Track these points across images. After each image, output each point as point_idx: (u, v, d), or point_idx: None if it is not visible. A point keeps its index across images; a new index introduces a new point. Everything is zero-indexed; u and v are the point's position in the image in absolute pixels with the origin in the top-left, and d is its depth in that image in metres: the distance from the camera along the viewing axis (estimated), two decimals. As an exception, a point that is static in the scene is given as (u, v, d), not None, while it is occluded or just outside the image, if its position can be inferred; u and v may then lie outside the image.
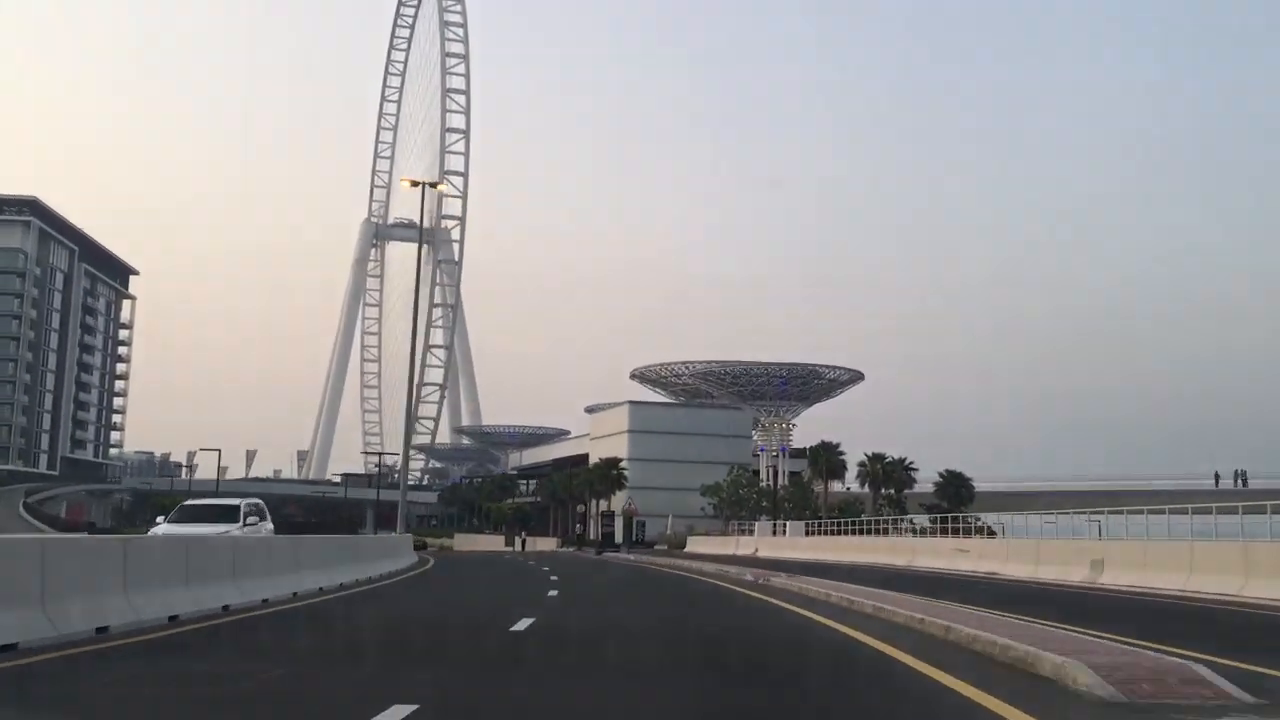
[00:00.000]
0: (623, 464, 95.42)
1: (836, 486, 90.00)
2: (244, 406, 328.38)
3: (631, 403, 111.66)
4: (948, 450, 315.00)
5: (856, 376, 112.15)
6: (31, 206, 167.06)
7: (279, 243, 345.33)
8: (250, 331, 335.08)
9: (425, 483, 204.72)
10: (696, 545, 72.35)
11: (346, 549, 28.78)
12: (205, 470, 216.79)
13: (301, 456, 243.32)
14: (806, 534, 64.64)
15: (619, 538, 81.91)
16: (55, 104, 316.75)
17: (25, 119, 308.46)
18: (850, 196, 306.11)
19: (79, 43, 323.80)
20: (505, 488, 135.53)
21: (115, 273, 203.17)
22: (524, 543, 79.81)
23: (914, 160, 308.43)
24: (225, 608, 15.25)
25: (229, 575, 16.34)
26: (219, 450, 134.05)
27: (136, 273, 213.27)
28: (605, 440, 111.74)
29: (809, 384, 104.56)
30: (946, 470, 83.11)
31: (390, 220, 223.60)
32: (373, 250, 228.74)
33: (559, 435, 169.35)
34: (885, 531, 59.27)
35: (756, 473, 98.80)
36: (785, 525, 71.10)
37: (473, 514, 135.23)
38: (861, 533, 58.88)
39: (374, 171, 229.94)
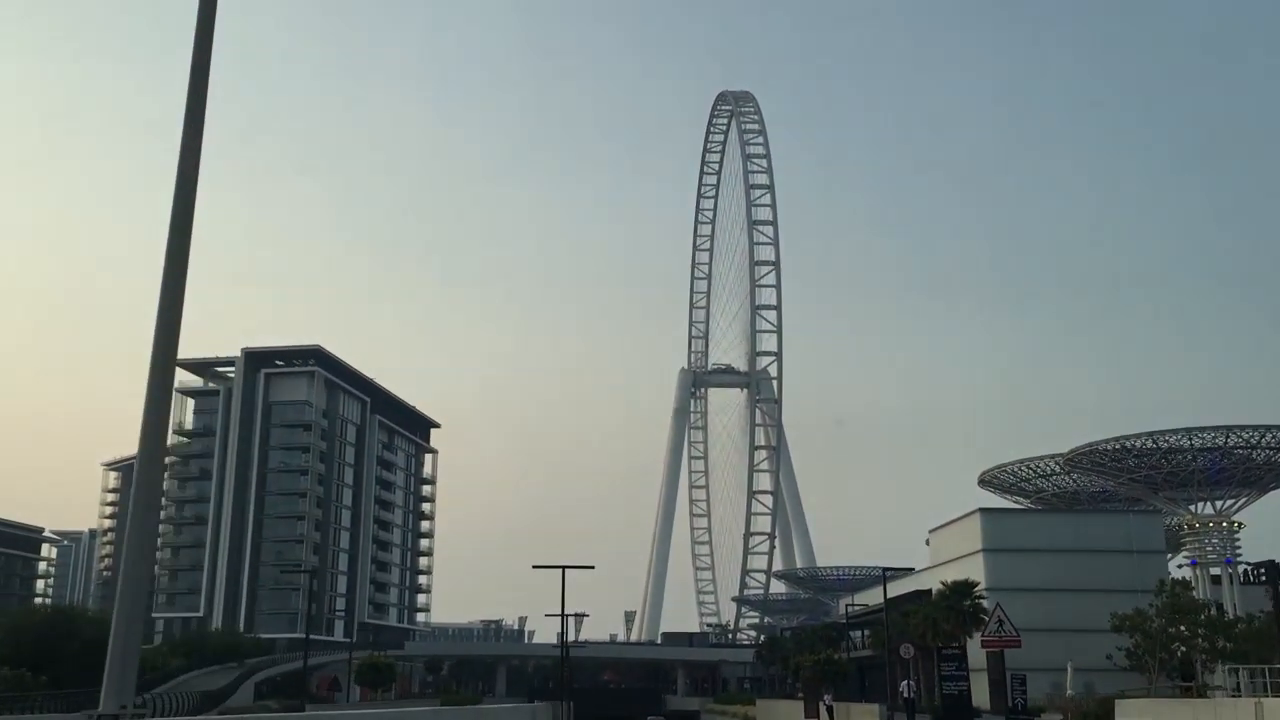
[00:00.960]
0: (978, 591, 65.21)
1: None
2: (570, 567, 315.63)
3: (983, 510, 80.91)
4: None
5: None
6: (316, 356, 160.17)
7: (596, 401, 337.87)
8: (569, 487, 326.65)
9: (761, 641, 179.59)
10: (1134, 716, 41.28)
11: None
12: (543, 634, 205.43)
13: (629, 617, 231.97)
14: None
15: (985, 699, 51.40)
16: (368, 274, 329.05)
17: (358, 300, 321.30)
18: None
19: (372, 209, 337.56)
20: (830, 639, 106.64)
21: (413, 425, 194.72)
22: (830, 711, 51.43)
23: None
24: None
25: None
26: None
27: (437, 425, 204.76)
28: (950, 567, 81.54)
29: (1252, 460, 69.84)
30: None
31: (709, 366, 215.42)
32: (693, 402, 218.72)
33: (903, 574, 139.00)
34: None
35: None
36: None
37: (791, 673, 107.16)
38: None
39: (690, 322, 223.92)
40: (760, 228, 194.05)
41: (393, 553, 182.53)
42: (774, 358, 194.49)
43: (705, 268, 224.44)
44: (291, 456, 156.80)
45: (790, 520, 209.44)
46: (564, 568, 54.04)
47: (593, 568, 61.79)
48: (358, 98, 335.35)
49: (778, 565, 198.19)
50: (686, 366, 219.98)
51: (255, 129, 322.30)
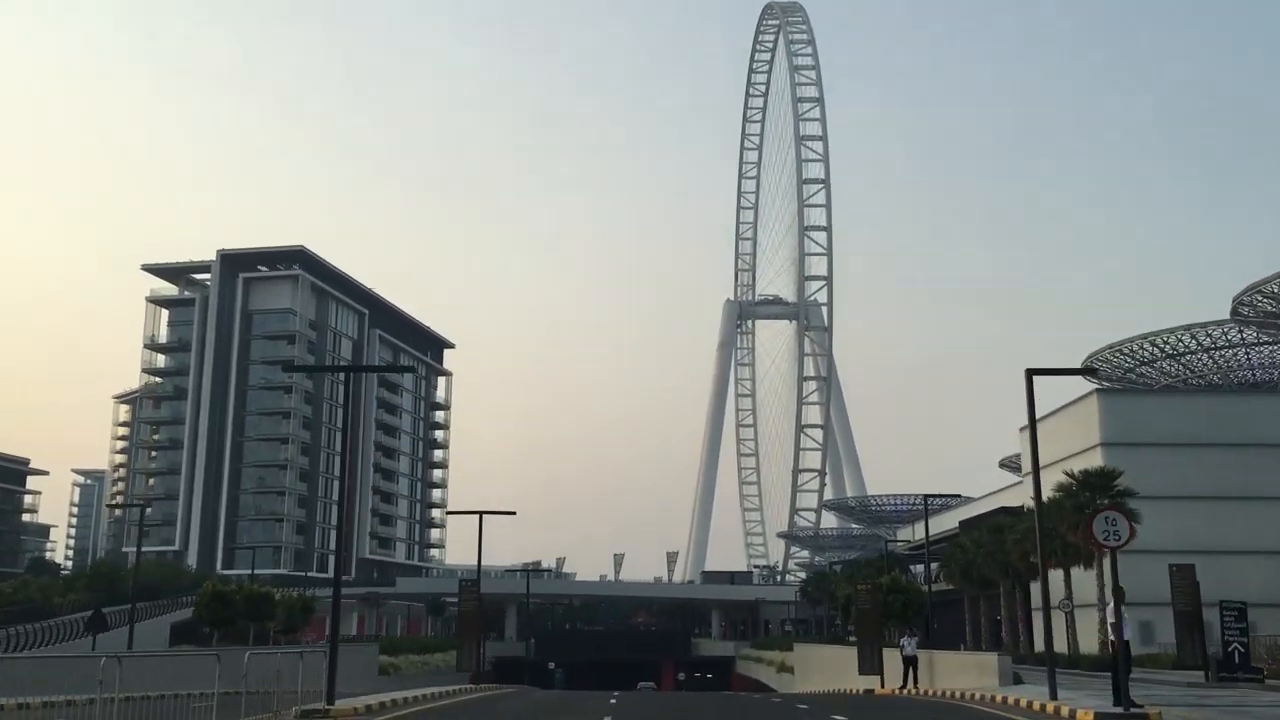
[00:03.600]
0: (1118, 480, 45.09)
1: None
2: (609, 508, 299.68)
3: (1101, 392, 60.04)
4: None
5: None
6: (300, 259, 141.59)
7: (637, 332, 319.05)
8: (611, 428, 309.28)
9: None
10: None
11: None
12: (585, 572, 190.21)
13: (671, 559, 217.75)
14: None
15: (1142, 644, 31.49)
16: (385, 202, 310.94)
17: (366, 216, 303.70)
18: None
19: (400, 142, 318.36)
20: (884, 570, 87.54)
21: (423, 343, 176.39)
22: (912, 665, 31.40)
23: None
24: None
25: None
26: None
27: (451, 345, 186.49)
28: (1048, 474, 60.90)
29: None
30: None
31: (756, 298, 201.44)
32: (739, 337, 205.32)
33: (966, 501, 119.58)
34: None
35: None
36: None
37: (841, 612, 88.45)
38: None
39: (737, 254, 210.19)
40: (809, 143, 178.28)
41: (399, 483, 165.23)
42: (824, 283, 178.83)
43: (751, 196, 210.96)
44: (274, 372, 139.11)
45: (841, 455, 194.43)
46: (481, 513, 46.71)
47: (513, 513, 54.62)
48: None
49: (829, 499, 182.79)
50: (732, 298, 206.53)
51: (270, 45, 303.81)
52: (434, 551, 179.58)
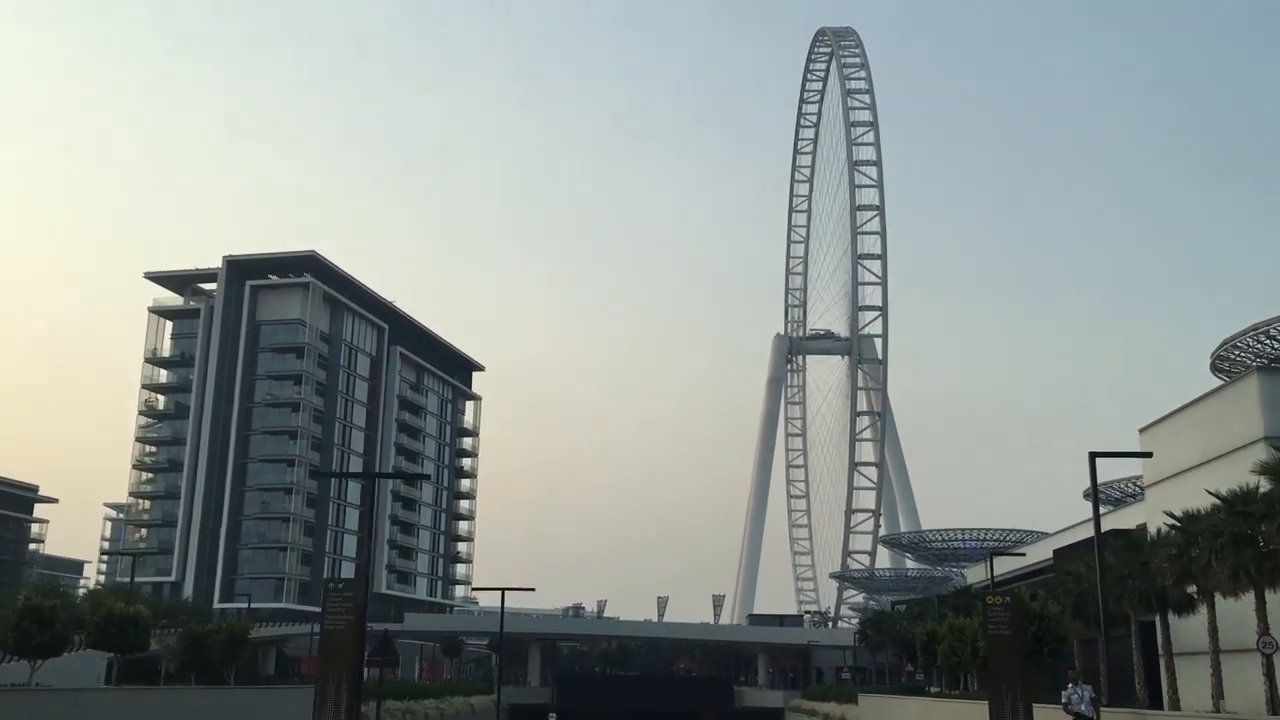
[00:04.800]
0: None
1: None
2: (654, 552, 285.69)
3: (1264, 370, 46.21)
4: None
5: None
6: (310, 265, 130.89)
7: (682, 369, 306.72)
8: (657, 469, 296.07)
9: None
10: None
11: None
12: (629, 617, 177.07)
13: (717, 602, 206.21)
14: None
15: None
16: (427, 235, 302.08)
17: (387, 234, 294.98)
18: None
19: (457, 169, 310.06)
20: (957, 610, 73.77)
21: (450, 365, 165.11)
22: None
23: None
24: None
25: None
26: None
27: (480, 368, 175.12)
28: (1184, 481, 47.16)
29: None
30: None
31: (807, 332, 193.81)
32: (789, 375, 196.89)
33: (1042, 536, 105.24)
34: None
35: None
36: None
37: (909, 656, 75.18)
38: None
39: (787, 289, 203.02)
40: (862, 169, 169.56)
41: (420, 513, 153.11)
42: (878, 313, 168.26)
43: (802, 230, 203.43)
44: (282, 388, 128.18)
45: (896, 494, 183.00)
46: (503, 590, 48.95)
47: (533, 589, 55.87)
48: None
49: (883, 549, 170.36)
50: (782, 333, 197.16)
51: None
52: (459, 589, 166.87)
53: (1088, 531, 70.15)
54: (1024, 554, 51.06)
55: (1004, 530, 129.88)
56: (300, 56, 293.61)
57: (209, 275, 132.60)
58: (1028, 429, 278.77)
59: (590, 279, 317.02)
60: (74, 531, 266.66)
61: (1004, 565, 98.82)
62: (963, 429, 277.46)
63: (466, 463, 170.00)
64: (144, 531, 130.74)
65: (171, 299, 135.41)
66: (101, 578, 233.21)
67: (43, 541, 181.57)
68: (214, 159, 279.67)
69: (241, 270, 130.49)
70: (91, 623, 39.94)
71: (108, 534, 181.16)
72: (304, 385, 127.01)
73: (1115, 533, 61.76)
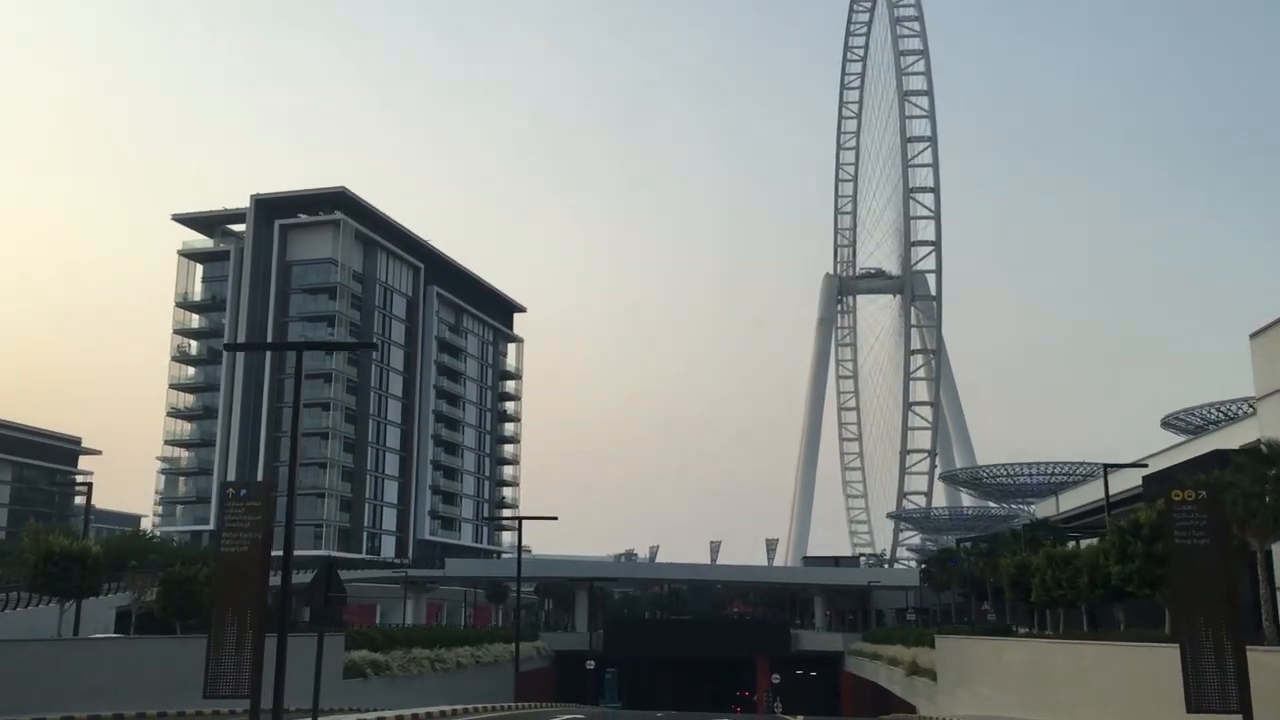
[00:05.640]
0: None
1: None
2: (706, 496, 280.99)
3: None
4: None
5: None
6: (342, 202, 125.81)
7: (729, 312, 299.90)
8: (705, 413, 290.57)
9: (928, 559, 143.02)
10: None
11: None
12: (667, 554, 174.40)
13: (770, 546, 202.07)
14: None
15: None
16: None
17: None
18: None
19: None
20: (1039, 541, 67.83)
21: (490, 306, 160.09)
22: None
23: None
24: None
25: None
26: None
27: (522, 309, 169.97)
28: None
29: None
30: None
31: (857, 271, 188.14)
32: (839, 316, 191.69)
33: (1096, 471, 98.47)
34: None
35: None
36: None
37: (984, 595, 69.24)
38: None
39: (836, 229, 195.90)
40: (913, 99, 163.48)
41: (463, 457, 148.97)
42: (931, 248, 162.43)
43: (850, 169, 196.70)
44: (315, 329, 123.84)
45: (952, 434, 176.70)
46: (520, 519, 49.88)
47: (555, 518, 67.10)
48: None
49: (939, 485, 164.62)
50: (832, 272, 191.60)
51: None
52: (507, 535, 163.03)
53: (1185, 455, 63.02)
54: (1146, 465, 44.80)
55: (1072, 463, 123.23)
56: None
57: (238, 216, 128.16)
58: (1087, 363, 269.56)
59: (635, 220, 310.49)
60: (125, 484, 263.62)
61: (1071, 501, 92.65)
62: (1017, 367, 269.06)
63: (510, 406, 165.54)
64: (184, 480, 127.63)
65: (201, 241, 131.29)
66: (158, 532, 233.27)
67: (86, 494, 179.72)
68: (242, 100, 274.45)
69: (270, 209, 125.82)
70: (31, 563, 35.05)
71: (161, 486, 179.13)
72: (338, 327, 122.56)
73: (1218, 454, 55.23)
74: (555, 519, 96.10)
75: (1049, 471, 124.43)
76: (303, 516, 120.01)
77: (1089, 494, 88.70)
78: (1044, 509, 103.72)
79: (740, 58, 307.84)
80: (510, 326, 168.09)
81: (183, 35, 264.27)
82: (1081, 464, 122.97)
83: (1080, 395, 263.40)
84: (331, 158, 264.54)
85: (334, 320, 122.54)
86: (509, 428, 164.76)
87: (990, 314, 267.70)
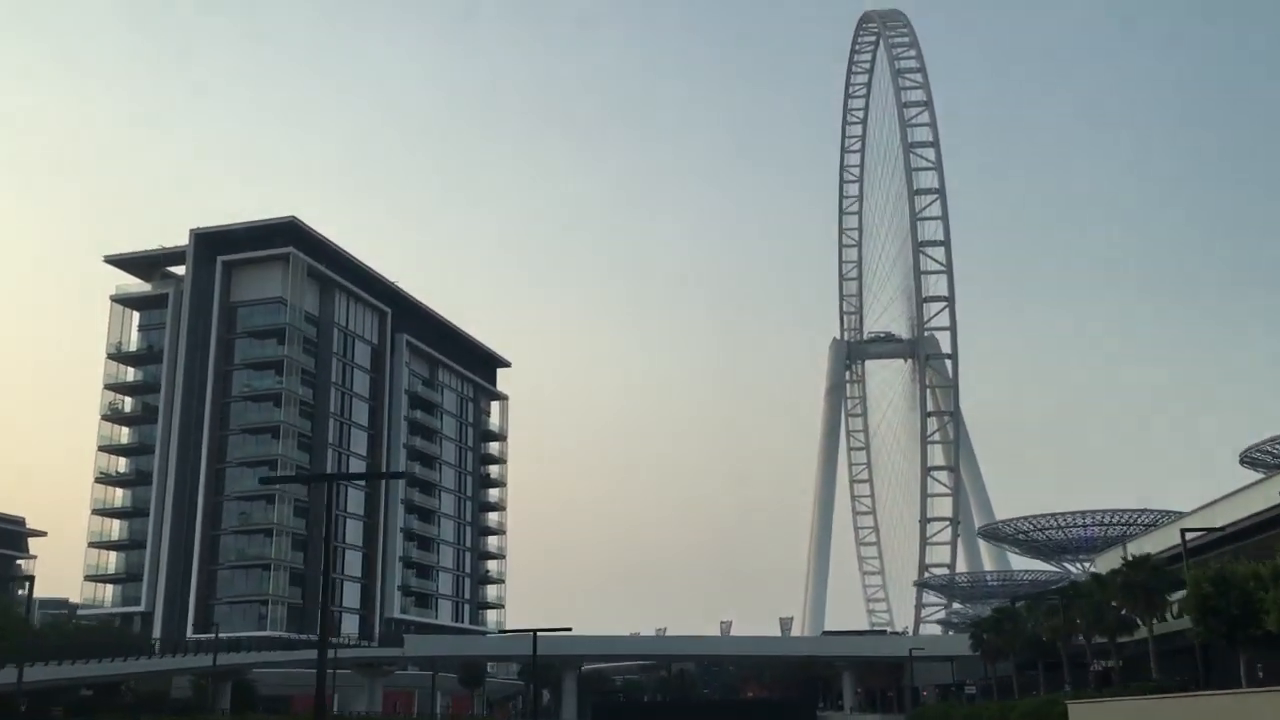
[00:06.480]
0: None
1: None
2: (715, 575, 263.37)
3: None
4: None
5: None
6: (291, 234, 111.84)
7: (734, 384, 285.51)
8: (711, 488, 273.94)
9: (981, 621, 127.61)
10: None
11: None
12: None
13: (784, 625, 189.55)
14: None
15: None
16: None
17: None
18: None
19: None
20: (1140, 586, 53.47)
21: (470, 360, 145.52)
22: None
23: None
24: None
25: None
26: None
27: (506, 363, 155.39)
28: None
29: None
30: None
31: (865, 335, 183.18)
32: (849, 387, 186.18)
33: (1178, 516, 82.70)
34: None
35: None
36: None
37: (1050, 662, 53.94)
38: None
39: (841, 296, 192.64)
40: (919, 150, 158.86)
41: (440, 525, 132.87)
42: (944, 304, 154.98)
43: (854, 234, 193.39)
44: (261, 378, 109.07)
45: (972, 502, 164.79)
46: (535, 631, 45.02)
47: (569, 629, 55.34)
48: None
49: (962, 554, 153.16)
50: (839, 338, 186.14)
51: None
52: (491, 614, 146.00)
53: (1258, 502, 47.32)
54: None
55: (1133, 510, 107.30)
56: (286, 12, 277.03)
57: (178, 256, 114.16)
58: (1114, 424, 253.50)
59: (630, 288, 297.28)
60: (64, 561, 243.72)
61: (1146, 545, 76.02)
62: (1035, 431, 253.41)
63: (494, 470, 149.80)
64: (113, 556, 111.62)
65: (137, 286, 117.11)
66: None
67: (28, 587, 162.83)
68: (186, 131, 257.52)
69: (212, 244, 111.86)
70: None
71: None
72: (287, 375, 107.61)
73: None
74: (569, 630, 75.47)
75: (1106, 521, 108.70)
76: (246, 592, 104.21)
77: (1161, 541, 72.30)
78: (1106, 563, 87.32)
79: (737, 125, 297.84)
80: (493, 382, 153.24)
81: (114, 56, 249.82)
82: (1144, 511, 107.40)
83: (1100, 453, 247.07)
84: (288, 197, 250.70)
85: (283, 368, 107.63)
86: (493, 494, 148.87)
87: (997, 374, 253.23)
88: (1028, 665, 77.39)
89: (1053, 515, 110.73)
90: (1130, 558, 65.62)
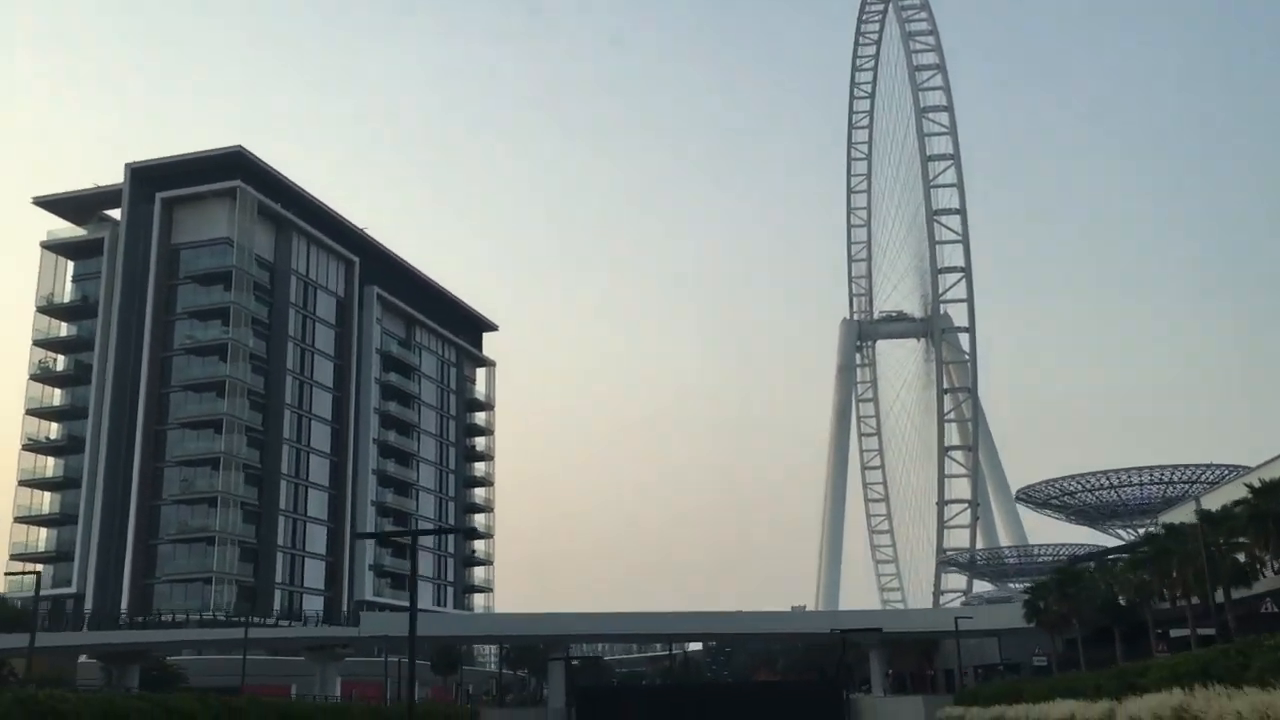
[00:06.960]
0: None
1: None
2: (721, 565, 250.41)
3: None
4: None
5: None
6: (239, 165, 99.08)
7: (738, 365, 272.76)
8: (718, 474, 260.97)
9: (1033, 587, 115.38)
10: None
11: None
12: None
13: (797, 612, 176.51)
14: None
15: None
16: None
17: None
18: None
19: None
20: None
21: (451, 319, 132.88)
22: None
23: None
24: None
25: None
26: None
27: (493, 327, 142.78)
28: None
29: None
30: None
31: (876, 315, 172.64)
32: (859, 371, 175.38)
33: (1244, 471, 69.56)
34: None
35: None
36: None
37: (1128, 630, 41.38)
38: None
39: (850, 278, 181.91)
40: (931, 115, 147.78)
41: (418, 499, 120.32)
42: (961, 274, 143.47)
43: (863, 212, 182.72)
44: (206, 329, 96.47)
45: (989, 483, 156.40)
46: None
47: None
48: None
49: (980, 538, 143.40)
50: (849, 317, 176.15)
51: None
52: (479, 598, 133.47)
53: None
54: None
55: (1199, 466, 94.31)
56: None
57: (115, 196, 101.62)
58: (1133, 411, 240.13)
59: (630, 264, 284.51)
60: None
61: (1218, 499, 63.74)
62: (1053, 413, 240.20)
63: (480, 442, 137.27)
64: (43, 533, 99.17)
65: (70, 231, 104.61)
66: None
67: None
68: (135, 61, 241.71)
69: (151, 181, 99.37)
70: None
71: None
72: (235, 324, 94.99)
73: None
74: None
75: (1166, 479, 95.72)
76: (189, 569, 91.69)
77: (1230, 495, 59.34)
78: (1177, 516, 74.38)
79: (737, 109, 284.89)
80: (479, 347, 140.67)
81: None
82: (1209, 466, 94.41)
83: (1122, 434, 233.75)
84: (244, 135, 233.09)
85: (229, 316, 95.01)
86: (479, 467, 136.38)
87: (1026, 342, 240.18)
88: (1095, 637, 64.73)
89: (1105, 473, 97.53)
90: (1208, 510, 53.20)
